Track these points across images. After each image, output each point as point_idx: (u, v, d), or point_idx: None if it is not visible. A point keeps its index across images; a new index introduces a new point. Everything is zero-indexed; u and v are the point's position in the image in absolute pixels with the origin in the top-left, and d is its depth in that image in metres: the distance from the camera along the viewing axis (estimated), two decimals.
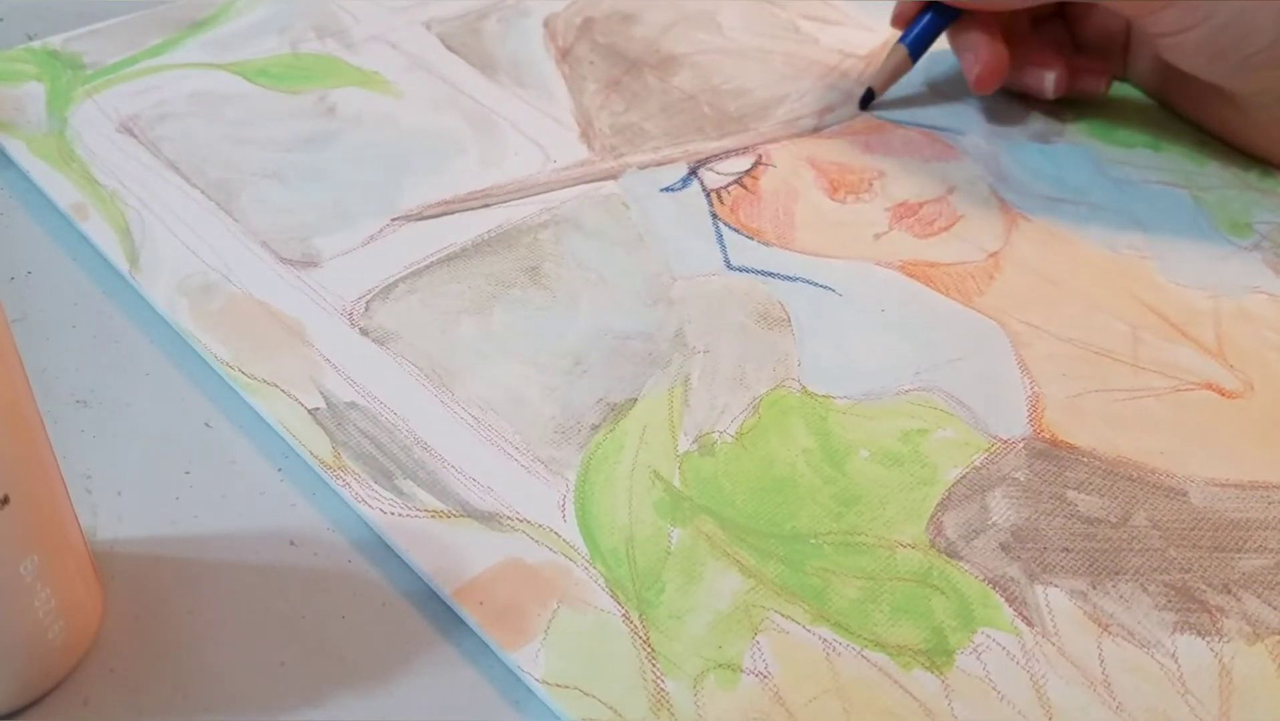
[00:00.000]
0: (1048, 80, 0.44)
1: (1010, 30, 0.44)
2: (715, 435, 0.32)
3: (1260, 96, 0.41)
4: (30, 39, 0.46)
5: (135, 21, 0.47)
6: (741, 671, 0.26)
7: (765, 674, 0.26)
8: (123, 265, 0.36)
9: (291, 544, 0.29)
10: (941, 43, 0.45)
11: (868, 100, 0.45)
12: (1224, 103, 0.42)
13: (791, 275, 0.37)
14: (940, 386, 0.34)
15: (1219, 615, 0.28)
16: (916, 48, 0.45)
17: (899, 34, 0.45)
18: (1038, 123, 0.46)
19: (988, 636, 0.27)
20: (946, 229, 0.40)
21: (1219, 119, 0.44)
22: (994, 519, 0.30)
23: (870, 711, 0.26)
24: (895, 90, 0.46)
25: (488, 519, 0.29)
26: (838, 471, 0.31)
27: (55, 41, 0.46)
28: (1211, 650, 0.28)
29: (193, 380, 0.33)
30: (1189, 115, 0.45)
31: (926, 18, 0.44)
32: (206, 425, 0.32)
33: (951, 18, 0.44)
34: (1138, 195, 0.42)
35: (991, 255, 0.39)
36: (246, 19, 0.48)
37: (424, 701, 0.26)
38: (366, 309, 0.35)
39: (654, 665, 0.26)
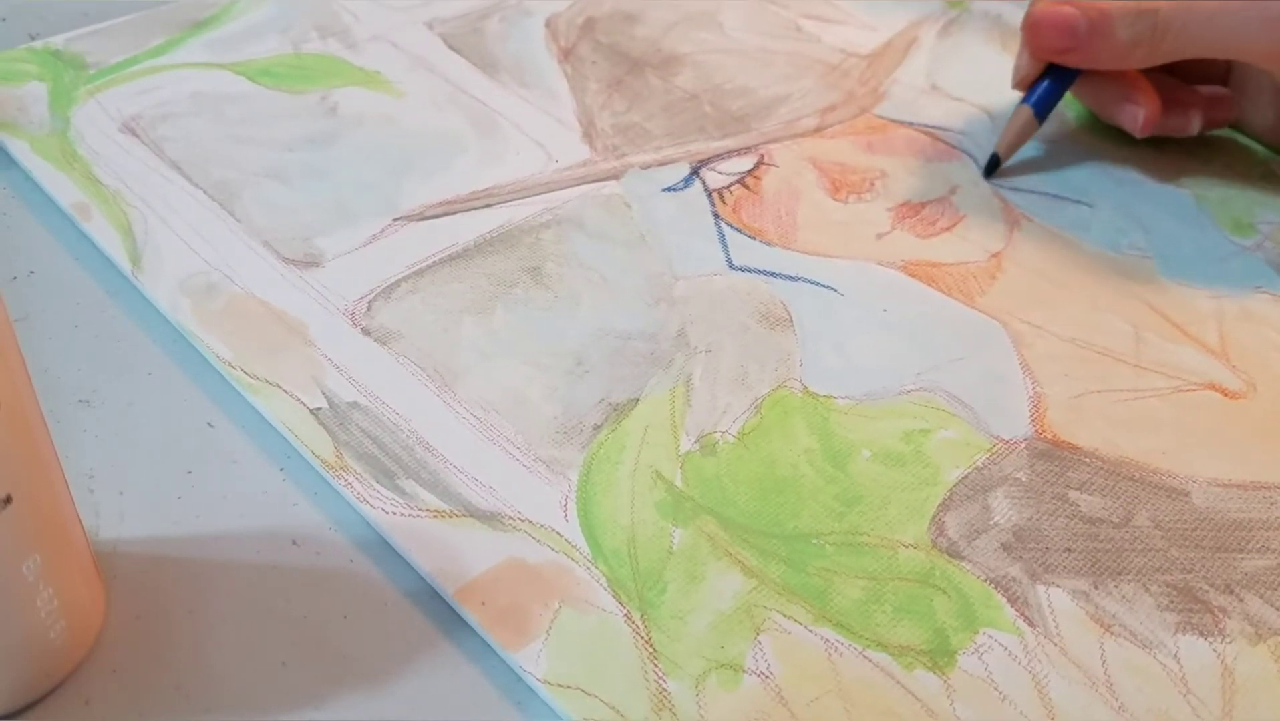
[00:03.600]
0: (1138, 116, 0.41)
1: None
2: (717, 435, 0.32)
3: None
4: (32, 39, 0.46)
5: (137, 21, 0.47)
6: (743, 671, 0.26)
7: (767, 674, 0.26)
8: (125, 265, 0.36)
9: (293, 543, 0.29)
10: (943, 42, 0.45)
11: (993, 167, 0.42)
12: None
13: (793, 275, 0.37)
14: (942, 386, 0.34)
15: (1221, 615, 0.28)
16: (1042, 109, 0.42)
17: (1020, 95, 0.43)
18: (1040, 123, 0.45)
19: (990, 636, 0.27)
20: (948, 229, 0.40)
21: None
22: (996, 519, 0.30)
23: (872, 711, 0.26)
24: (897, 92, 0.46)
25: (490, 519, 0.29)
26: (840, 471, 0.31)
27: (57, 41, 0.46)
28: (1214, 650, 0.28)
29: (195, 380, 0.33)
30: None
31: (1048, 81, 0.42)
32: (209, 425, 0.32)
33: (1073, 76, 0.42)
34: (1140, 195, 0.42)
35: (993, 255, 0.39)
36: (248, 19, 0.48)
37: (425, 701, 0.26)
38: (369, 309, 0.35)
39: (656, 665, 0.26)
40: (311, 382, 0.32)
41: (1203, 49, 0.37)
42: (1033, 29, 0.40)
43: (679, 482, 0.31)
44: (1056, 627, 0.28)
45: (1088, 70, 0.41)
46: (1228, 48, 0.37)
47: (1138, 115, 0.41)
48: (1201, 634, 0.28)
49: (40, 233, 0.38)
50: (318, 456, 0.30)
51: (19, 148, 0.40)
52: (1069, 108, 0.46)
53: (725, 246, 0.38)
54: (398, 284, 0.36)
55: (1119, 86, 0.41)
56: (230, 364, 0.33)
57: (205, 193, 0.39)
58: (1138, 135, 0.41)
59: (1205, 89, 0.43)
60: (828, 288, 0.37)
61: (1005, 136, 0.42)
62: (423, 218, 0.39)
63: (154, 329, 0.34)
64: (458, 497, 0.30)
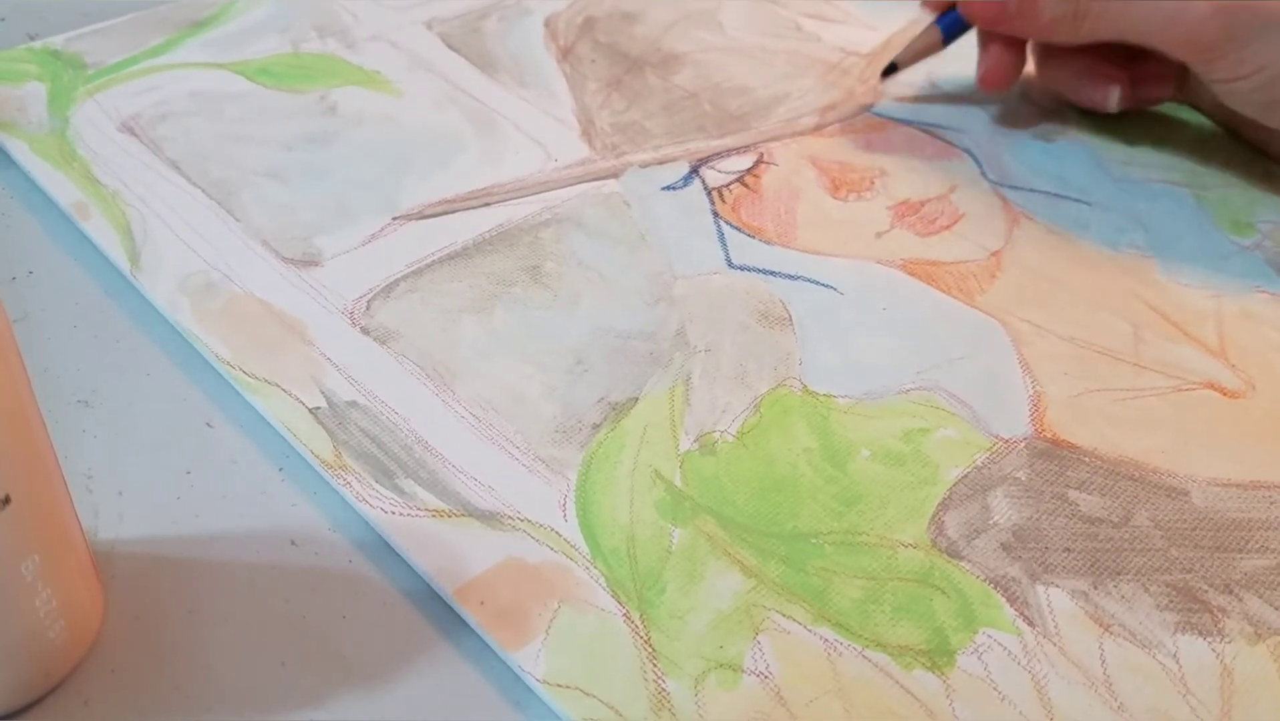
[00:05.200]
0: (1112, 95, 0.43)
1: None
2: (716, 434, 0.32)
3: None
4: (32, 39, 0.46)
5: (136, 21, 0.47)
6: (742, 671, 0.26)
7: (766, 674, 0.26)
8: (124, 264, 0.36)
9: (292, 544, 0.29)
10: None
11: (890, 72, 0.46)
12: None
13: (793, 274, 0.37)
14: (942, 385, 0.34)
15: (1221, 615, 0.28)
16: (950, 33, 0.45)
17: (930, 16, 0.46)
18: (1040, 121, 0.45)
19: (989, 636, 0.27)
20: (948, 228, 0.40)
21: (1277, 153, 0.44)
22: (995, 518, 0.30)
23: (871, 711, 0.26)
24: (898, 88, 0.46)
25: (489, 518, 0.29)
26: (839, 471, 0.31)
27: (57, 41, 0.46)
28: (1213, 650, 0.27)
29: (194, 380, 0.33)
30: (1253, 142, 0.45)
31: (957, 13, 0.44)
32: (208, 425, 0.32)
33: None
34: (1140, 194, 0.42)
35: (993, 254, 0.39)
36: (247, 19, 0.48)
37: (425, 701, 0.26)
38: (368, 308, 0.35)
39: (655, 665, 0.26)
40: (310, 382, 0.32)
41: (1119, 34, 0.40)
42: (965, 3, 0.43)
43: (678, 482, 0.31)
44: (1056, 627, 0.28)
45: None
46: (1140, 35, 0.40)
47: (1111, 93, 0.43)
48: (1201, 633, 0.28)
49: (39, 233, 0.38)
50: (316, 456, 0.30)
51: (18, 148, 0.40)
52: (1069, 108, 0.46)
53: (725, 245, 0.38)
54: (397, 283, 0.36)
55: (1087, 63, 0.43)
56: (229, 363, 0.33)
57: (204, 192, 0.39)
58: (1112, 110, 0.44)
59: (1145, 65, 0.44)
60: (827, 286, 0.37)
61: (908, 50, 0.46)
62: (422, 217, 0.39)
63: (153, 329, 0.34)
64: (457, 497, 0.30)
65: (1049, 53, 0.45)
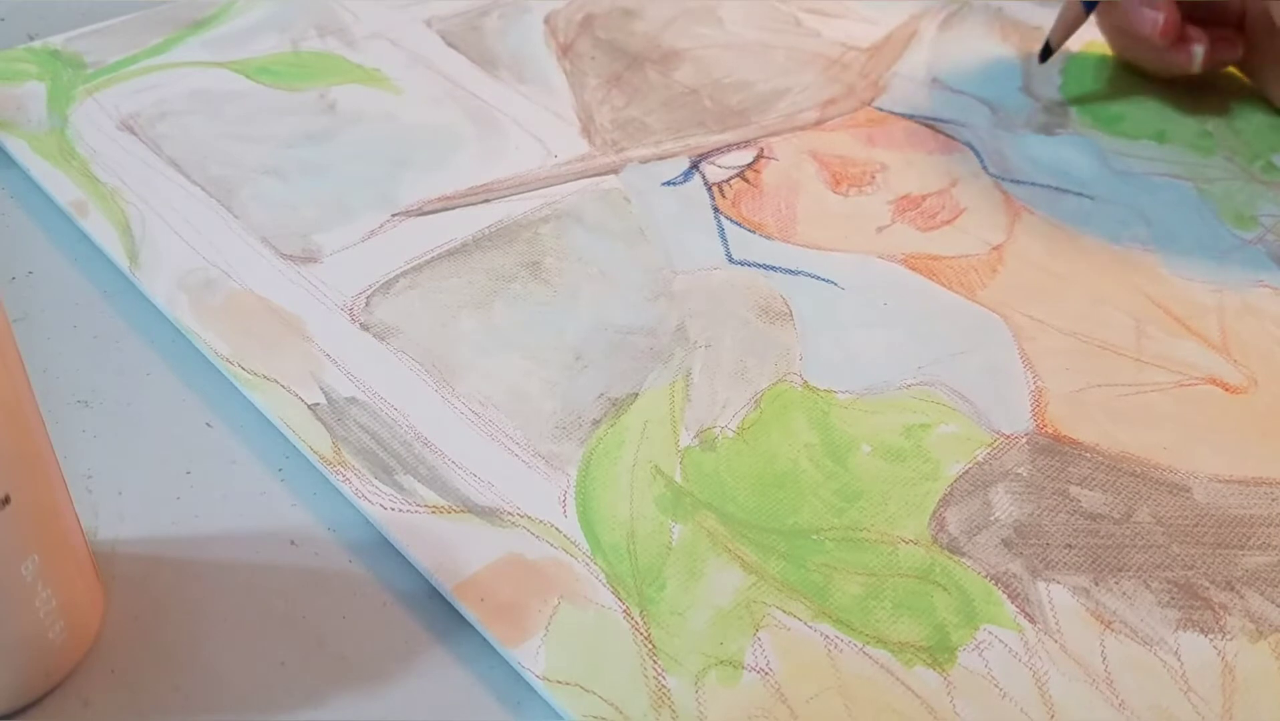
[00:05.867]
0: (1196, 55, 0.44)
1: None
2: (717, 430, 0.32)
3: None
4: (31, 39, 0.46)
5: (136, 21, 0.47)
6: (743, 668, 0.26)
7: (767, 670, 0.26)
8: (123, 262, 0.36)
9: (292, 544, 0.29)
10: (943, 35, 0.45)
11: (1046, 54, 0.46)
12: None
13: (793, 269, 0.37)
14: (943, 381, 0.34)
15: (1222, 612, 0.28)
16: (1090, 3, 0.45)
17: None
18: (1041, 115, 0.45)
19: (990, 633, 0.27)
20: (949, 222, 0.40)
21: None
22: (996, 514, 0.30)
23: (872, 708, 0.26)
24: (897, 85, 0.46)
25: (488, 514, 0.29)
26: (840, 466, 0.31)
27: (56, 41, 0.46)
28: (1214, 647, 0.27)
29: (194, 380, 0.33)
30: None
31: None
32: (207, 425, 0.32)
33: None
34: (1142, 188, 0.42)
35: (994, 248, 0.39)
36: (247, 18, 0.48)
37: (424, 701, 0.26)
38: (367, 304, 0.35)
39: (655, 661, 0.26)
40: (309, 378, 0.32)
41: None
42: None
43: (678, 478, 0.30)
44: (1057, 624, 0.28)
45: None
46: None
47: (1195, 51, 0.44)
48: (1202, 630, 0.28)
49: (39, 233, 0.38)
50: (316, 452, 0.30)
51: (17, 147, 0.40)
52: (1070, 101, 0.46)
53: (725, 240, 0.38)
54: (396, 279, 0.36)
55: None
56: (228, 360, 0.33)
57: (203, 189, 0.39)
58: (1196, 70, 0.44)
59: (1213, 30, 0.45)
60: (828, 281, 0.37)
61: (1057, 28, 0.46)
62: (421, 213, 0.39)
63: (153, 330, 0.34)
64: (456, 493, 0.30)
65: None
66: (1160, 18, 0.43)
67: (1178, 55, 0.44)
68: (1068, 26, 0.46)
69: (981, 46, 0.49)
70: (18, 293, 0.36)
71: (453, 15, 0.49)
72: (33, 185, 0.39)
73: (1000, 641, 0.27)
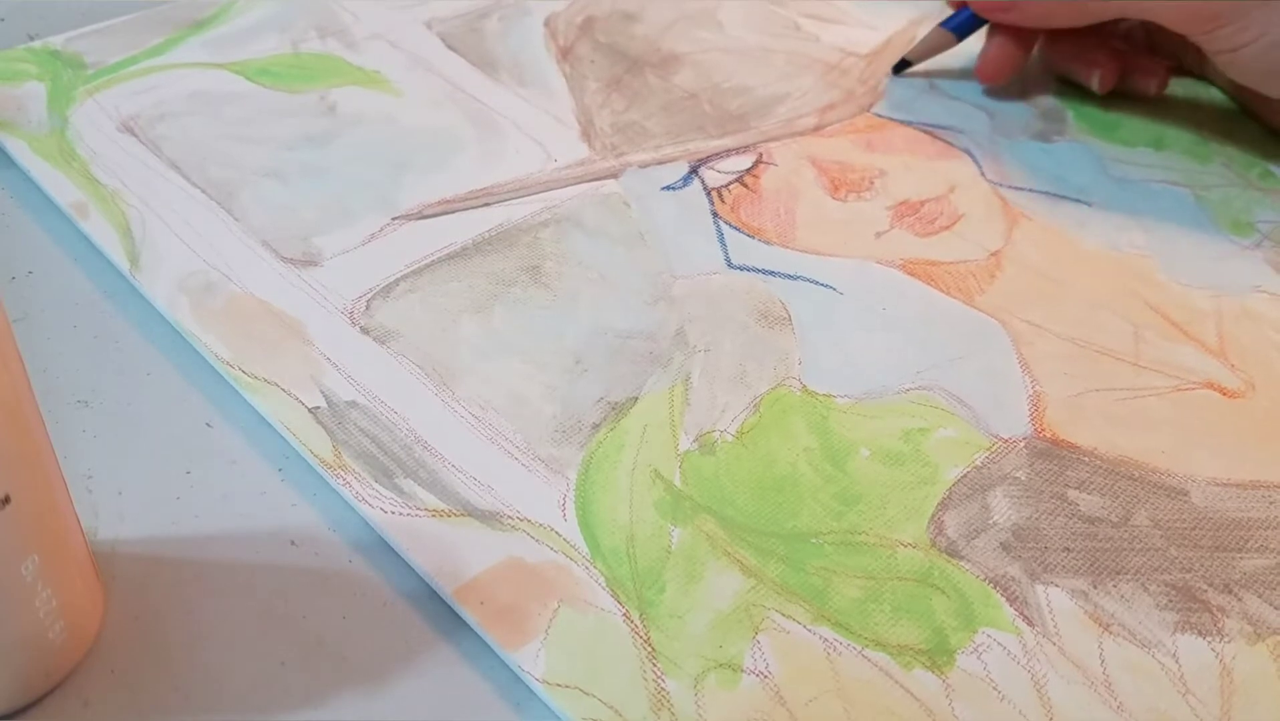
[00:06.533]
0: (1094, 77, 0.45)
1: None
2: (716, 434, 0.32)
3: None
4: (31, 39, 0.46)
5: (136, 21, 0.47)
6: (742, 671, 0.26)
7: (766, 673, 0.26)
8: (123, 264, 0.36)
9: (292, 544, 0.29)
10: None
11: (901, 68, 0.47)
12: None
13: (792, 274, 0.37)
14: (941, 385, 0.34)
15: (1220, 615, 0.28)
16: (962, 33, 0.46)
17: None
18: (1039, 122, 0.45)
19: (989, 636, 0.27)
20: (948, 227, 0.40)
21: None
22: (995, 518, 0.30)
23: (871, 711, 0.26)
24: (896, 91, 0.46)
25: (488, 518, 0.29)
26: (838, 470, 0.31)
27: (56, 41, 0.46)
28: (1213, 650, 0.27)
29: (194, 380, 0.33)
30: (1265, 121, 0.45)
31: (968, 12, 0.46)
32: (207, 425, 0.32)
33: None
34: (1139, 194, 0.42)
35: (993, 254, 0.39)
36: (247, 19, 0.48)
37: (424, 701, 0.26)
38: (367, 307, 0.35)
39: (654, 665, 0.26)
40: (310, 381, 0.32)
41: (1122, 9, 0.41)
42: None
43: (678, 482, 0.31)
44: (1055, 627, 0.28)
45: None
46: (1142, 10, 0.41)
47: (1093, 75, 0.45)
48: (1200, 633, 0.28)
49: (39, 233, 0.38)
50: (316, 455, 0.30)
51: (17, 147, 0.40)
52: (1068, 108, 0.46)
53: (724, 245, 0.38)
54: (396, 283, 0.36)
55: (1082, 42, 0.45)
56: (228, 363, 0.33)
57: (203, 192, 0.39)
58: (1097, 91, 0.45)
59: (1139, 58, 0.46)
60: (827, 286, 0.37)
61: (920, 46, 0.47)
62: (421, 216, 0.39)
63: (153, 329, 0.34)
64: (456, 497, 0.30)
65: (1054, 36, 0.46)
66: (985, 58, 0.45)
67: (1083, 74, 0.46)
68: (930, 49, 0.47)
69: (980, 52, 0.49)
70: (18, 293, 0.36)
71: (453, 17, 0.49)
72: (33, 184, 0.39)
73: (999, 644, 0.27)
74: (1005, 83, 0.46)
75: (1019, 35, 0.45)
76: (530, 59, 0.47)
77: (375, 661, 0.27)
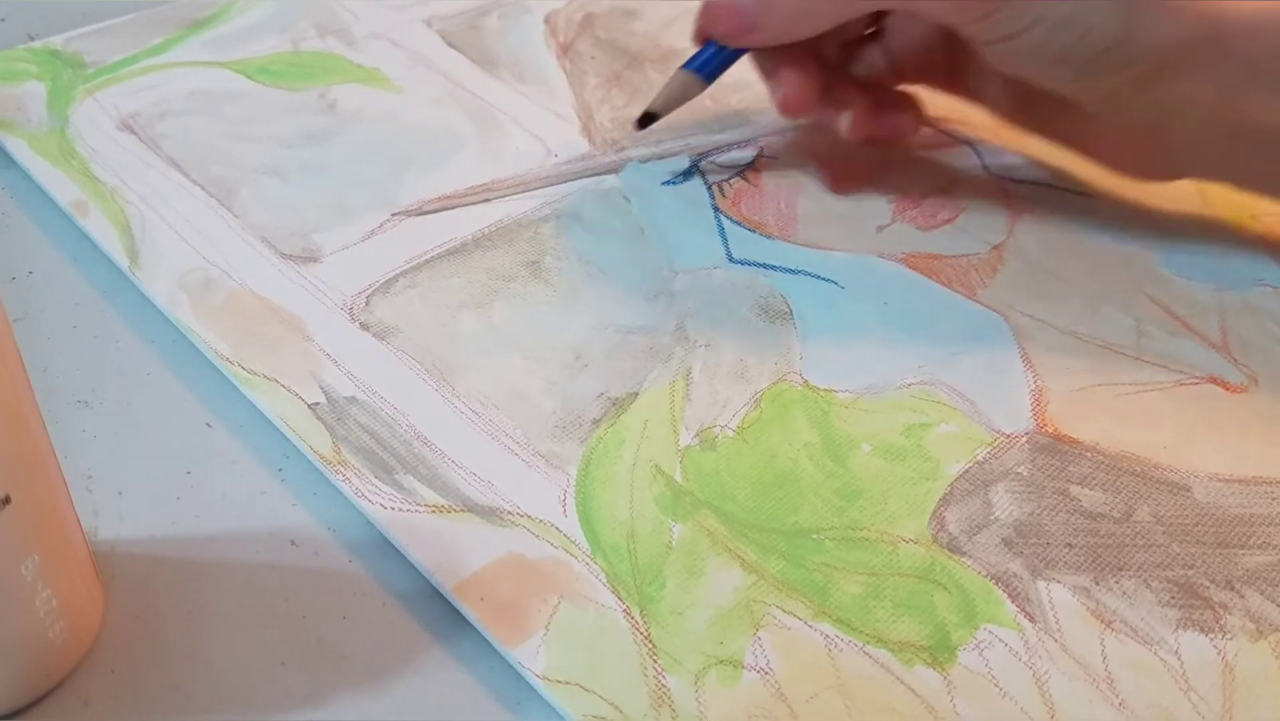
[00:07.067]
0: (843, 121, 0.39)
1: (818, 54, 0.39)
2: (717, 429, 0.32)
3: (1100, 105, 0.36)
4: (31, 39, 0.46)
5: (136, 21, 0.47)
6: (743, 667, 0.26)
7: (767, 670, 0.26)
8: (123, 261, 0.36)
9: (292, 544, 0.29)
10: None
11: (646, 122, 0.40)
12: (1068, 116, 0.37)
13: (794, 268, 0.37)
14: (943, 380, 0.34)
15: (1222, 611, 0.28)
16: (709, 73, 0.39)
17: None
18: None
19: (990, 632, 0.27)
20: (949, 221, 0.40)
21: (1064, 133, 0.39)
22: (997, 514, 0.30)
23: (872, 707, 0.26)
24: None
25: (488, 514, 0.29)
26: (840, 466, 0.31)
27: (56, 41, 0.46)
28: (1215, 646, 0.27)
29: (194, 380, 0.33)
30: (1037, 134, 0.40)
31: (713, 46, 0.39)
32: (207, 425, 0.32)
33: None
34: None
35: (995, 247, 0.39)
36: (247, 18, 0.48)
37: (424, 701, 0.26)
38: (367, 304, 0.35)
39: (655, 661, 0.26)
40: (309, 378, 0.32)
41: (875, 2, 0.36)
42: (706, 18, 0.38)
43: (678, 477, 0.30)
44: (1057, 623, 0.28)
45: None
46: (905, 3, 0.35)
47: (841, 119, 0.39)
48: (1202, 630, 0.28)
49: (39, 233, 0.38)
50: (315, 452, 0.30)
51: (18, 146, 0.40)
52: None
53: (725, 240, 0.38)
54: (396, 279, 0.36)
55: (828, 84, 0.39)
56: (228, 359, 0.33)
57: (203, 189, 0.39)
58: (847, 138, 0.40)
59: (891, 93, 0.41)
60: (828, 281, 0.37)
61: (661, 96, 0.40)
62: (421, 213, 0.39)
63: (153, 330, 0.34)
64: (456, 493, 0.30)
65: (790, 72, 0.39)
66: (780, 93, 0.38)
67: (827, 117, 0.40)
68: (676, 97, 0.40)
69: None
70: (18, 293, 0.36)
71: (453, 15, 0.49)
72: (33, 185, 0.39)
73: (1000, 640, 0.27)
74: (813, 111, 0.39)
75: (788, 55, 0.38)
76: (530, 55, 0.47)
77: (375, 661, 0.27)
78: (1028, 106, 0.39)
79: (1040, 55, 0.34)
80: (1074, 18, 0.33)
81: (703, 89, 0.39)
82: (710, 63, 0.39)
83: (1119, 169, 0.39)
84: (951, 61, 0.40)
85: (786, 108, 0.38)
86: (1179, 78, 0.34)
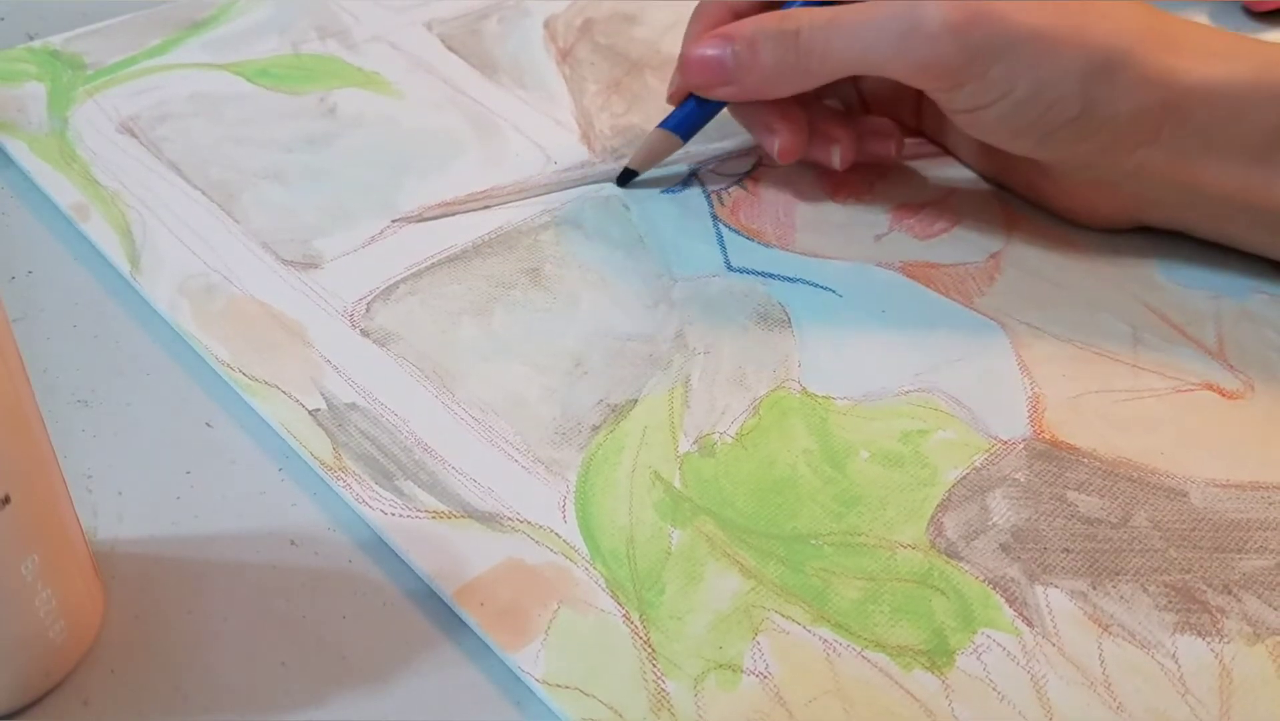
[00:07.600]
0: (834, 154, 0.40)
1: (799, 98, 0.39)
2: (715, 436, 0.32)
3: (1065, 165, 0.37)
4: (31, 39, 0.46)
5: (136, 21, 0.47)
6: (742, 672, 0.26)
7: (766, 674, 0.26)
8: (124, 266, 0.36)
9: (292, 544, 0.29)
10: None
11: (627, 179, 0.41)
12: (1027, 168, 0.39)
13: (792, 276, 0.37)
14: (941, 387, 0.34)
15: (1219, 616, 0.28)
16: (685, 131, 0.40)
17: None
18: None
19: (988, 637, 0.27)
20: (947, 230, 0.40)
21: (1023, 183, 0.41)
22: (994, 519, 0.30)
23: (871, 711, 0.26)
24: None
25: (488, 519, 0.29)
26: (838, 472, 0.31)
27: (56, 41, 0.46)
28: (1212, 650, 0.28)
29: (194, 380, 0.33)
30: (996, 180, 0.42)
31: (691, 103, 0.40)
32: (207, 425, 0.32)
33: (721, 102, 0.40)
34: None
35: (992, 256, 0.39)
36: (247, 19, 0.48)
37: (424, 701, 0.26)
38: (367, 310, 0.35)
39: (654, 665, 0.26)
40: (310, 384, 0.32)
41: (848, 66, 0.36)
42: (684, 71, 0.38)
43: (677, 483, 0.31)
44: (1055, 628, 0.28)
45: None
46: (872, 65, 0.36)
47: (833, 152, 0.40)
48: (1200, 634, 0.28)
49: (39, 233, 0.38)
50: (316, 457, 0.30)
51: (17, 148, 0.40)
52: None
53: (724, 248, 0.38)
54: (396, 285, 0.36)
55: (810, 121, 0.40)
56: (229, 365, 0.33)
57: (204, 193, 0.39)
58: (838, 169, 0.40)
59: (870, 120, 0.42)
60: (826, 289, 0.37)
61: (640, 154, 0.40)
62: (421, 219, 0.39)
63: (153, 329, 0.34)
64: (456, 498, 0.30)
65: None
66: (777, 143, 0.39)
67: (820, 153, 0.40)
68: (654, 155, 0.40)
69: None
70: (18, 292, 0.36)
71: (453, 19, 0.49)
72: (33, 184, 0.39)
73: (998, 645, 0.27)
74: (805, 153, 0.39)
75: (776, 105, 0.39)
76: (530, 61, 0.47)
77: (375, 661, 0.27)
78: (988, 154, 0.41)
79: (1004, 126, 0.36)
80: (1038, 93, 0.34)
81: (679, 147, 0.41)
82: (686, 121, 0.40)
83: (1077, 219, 0.40)
84: (919, 108, 0.43)
85: (786, 156, 0.39)
86: (1138, 145, 0.35)
